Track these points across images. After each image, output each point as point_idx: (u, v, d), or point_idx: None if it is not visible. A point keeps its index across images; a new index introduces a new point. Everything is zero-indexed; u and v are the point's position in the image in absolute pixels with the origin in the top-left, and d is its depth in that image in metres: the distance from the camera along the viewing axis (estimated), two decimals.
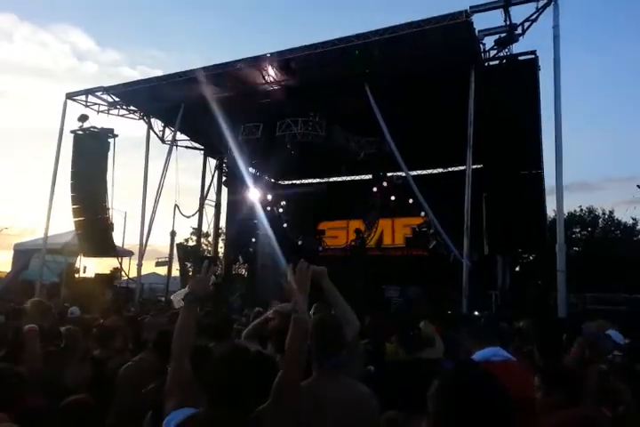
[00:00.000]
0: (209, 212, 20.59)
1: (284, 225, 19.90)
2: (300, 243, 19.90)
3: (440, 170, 19.55)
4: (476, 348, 3.28)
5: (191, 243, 27.18)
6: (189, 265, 19.61)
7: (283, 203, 20.16)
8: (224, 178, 19.45)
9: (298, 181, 22.64)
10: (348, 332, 2.70)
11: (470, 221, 11.93)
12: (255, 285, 18.49)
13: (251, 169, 20.56)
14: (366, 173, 20.59)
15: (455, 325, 4.46)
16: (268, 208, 19.46)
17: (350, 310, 2.83)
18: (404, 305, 15.38)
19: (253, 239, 19.81)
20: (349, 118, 14.22)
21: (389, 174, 17.63)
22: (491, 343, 3.27)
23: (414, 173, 19.73)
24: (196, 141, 20.02)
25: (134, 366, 3.78)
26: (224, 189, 20.45)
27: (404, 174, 13.89)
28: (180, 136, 18.87)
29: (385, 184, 17.44)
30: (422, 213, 16.33)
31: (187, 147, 19.99)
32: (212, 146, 18.82)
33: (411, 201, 15.72)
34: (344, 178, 21.59)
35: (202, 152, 20.44)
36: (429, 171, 19.75)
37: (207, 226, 21.21)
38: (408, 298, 16.08)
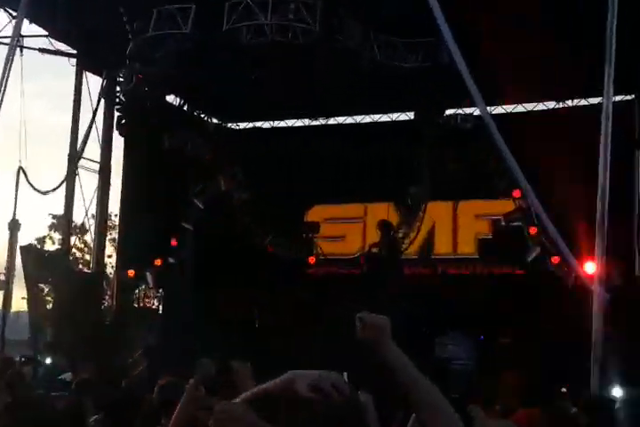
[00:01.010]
0: (87, 183, 20.54)
1: (241, 214, 20.07)
2: (270, 249, 20.06)
3: (544, 106, 19.78)
4: None
5: (51, 245, 27.14)
6: (46, 290, 19.67)
7: (237, 169, 20.18)
8: (117, 116, 19.37)
9: (269, 124, 22.70)
10: None
11: (610, 209, 11.92)
12: (176, 328, 18.63)
13: (173, 99, 20.55)
14: (402, 109, 20.65)
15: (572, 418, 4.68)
16: (209, 180, 19.62)
17: (450, 412, 2.71)
18: (475, 374, 15.68)
19: (175, 241, 19.90)
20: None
21: (449, 112, 17.72)
22: None
23: (498, 109, 19.92)
24: (62, 40, 19.87)
25: None
26: (118, 139, 20.49)
27: (476, 112, 14.04)
28: (30, 28, 18.71)
29: (440, 128, 17.48)
30: (513, 192, 16.49)
31: (43, 51, 19.86)
32: (95, 51, 18.76)
33: (492, 165, 15.94)
34: (358, 118, 21.60)
35: (74, 63, 20.36)
36: (526, 106, 19.93)
37: (84, 212, 21.21)
38: (482, 359, 16.31)
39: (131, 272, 19.34)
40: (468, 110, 17.73)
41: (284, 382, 2.43)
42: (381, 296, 15.93)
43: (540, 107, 20.06)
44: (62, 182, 20.10)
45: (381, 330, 2.72)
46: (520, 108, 20.07)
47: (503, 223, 17.93)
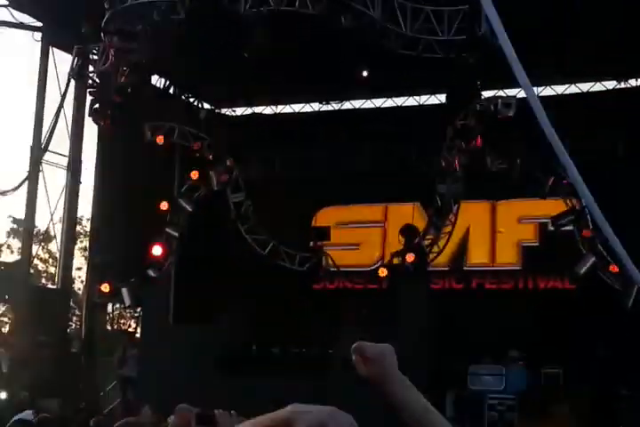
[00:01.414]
0: (53, 181, 20.57)
1: (235, 217, 20.08)
2: (267, 259, 20.07)
3: (603, 86, 19.90)
4: None
5: (9, 255, 27.34)
6: (1, 310, 19.69)
7: (232, 164, 20.18)
8: (90, 100, 19.39)
9: (270, 110, 22.91)
10: None
11: None
12: (158, 357, 18.60)
13: (156, 80, 20.50)
14: (432, 91, 20.89)
15: None
16: (198, 176, 19.58)
17: None
18: (516, 410, 15.72)
19: (157, 250, 19.89)
20: None
21: (487, 95, 17.74)
22: None
23: (547, 90, 20.00)
24: (24, 11, 20.06)
25: None
26: (90, 129, 20.59)
27: (520, 93, 14.02)
28: None
29: (476, 115, 17.43)
30: (564, 190, 16.38)
31: (2, 24, 20.11)
32: (64, 23, 18.78)
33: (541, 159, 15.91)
34: (378, 102, 21.80)
35: (39, 37, 20.44)
36: (580, 87, 20.07)
37: (49, 216, 21.20)
38: (525, 391, 16.24)
39: (104, 287, 19.25)
40: (510, 92, 17.65)
41: (281, 418, 2.35)
42: (408, 315, 15.95)
43: (598, 87, 20.00)
44: (24, 181, 20.11)
45: (384, 362, 2.67)
46: (574, 89, 20.03)
47: (551, 227, 17.87)
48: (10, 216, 30.37)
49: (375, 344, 2.74)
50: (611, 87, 19.76)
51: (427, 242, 18.36)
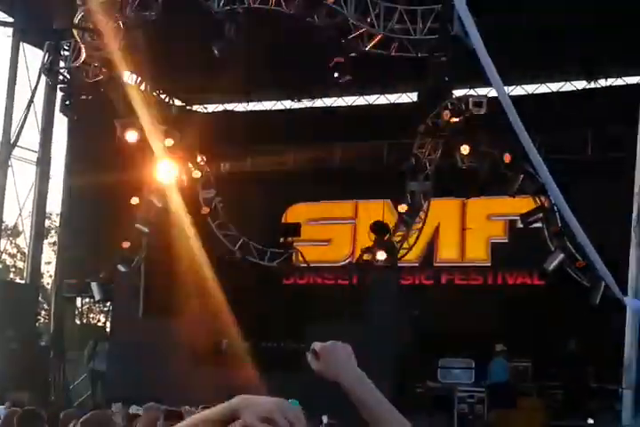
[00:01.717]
0: (22, 176, 20.47)
1: (207, 211, 20.04)
2: (237, 254, 20.10)
3: (575, 85, 19.90)
4: None
5: None
6: None
7: (203, 160, 20.13)
8: (61, 96, 19.28)
9: (242, 107, 22.96)
10: None
11: None
12: (127, 351, 18.52)
13: (128, 76, 20.38)
14: (403, 90, 20.87)
15: None
16: (169, 169, 19.37)
17: None
18: (485, 403, 15.77)
19: (127, 244, 19.78)
20: None
21: (459, 93, 17.83)
22: None
23: (517, 90, 20.13)
24: None
25: None
26: (60, 124, 20.63)
27: (491, 92, 14.22)
28: None
29: (448, 113, 17.45)
30: (533, 188, 16.44)
31: None
32: (36, 18, 18.77)
33: (507, 157, 15.97)
34: (349, 99, 21.84)
35: (9, 33, 20.37)
36: (552, 85, 20.14)
37: (17, 210, 21.20)
38: (495, 387, 16.28)
39: (73, 282, 19.19)
40: (481, 92, 17.76)
41: (229, 410, 2.38)
42: (380, 312, 15.96)
43: (568, 87, 20.15)
44: None
45: (333, 358, 2.74)
46: (544, 89, 20.16)
47: (521, 225, 17.96)
48: None
49: (331, 342, 2.82)
50: (580, 87, 19.82)
51: (397, 238, 18.45)
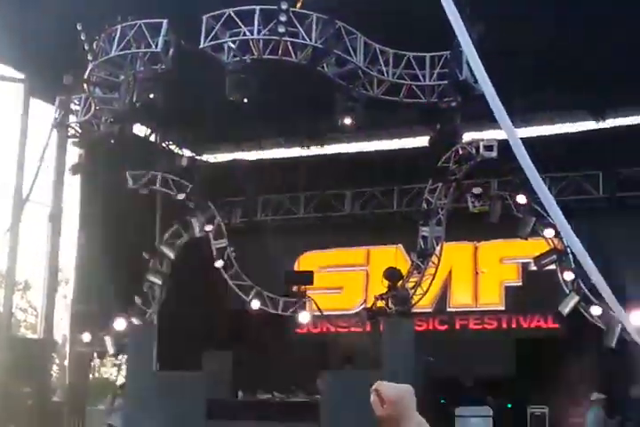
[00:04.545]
0: (35, 232, 20.43)
1: (221, 264, 20.04)
2: (251, 304, 19.95)
3: (586, 126, 20.00)
4: None
5: None
6: None
7: (214, 211, 20.16)
8: (71, 148, 19.40)
9: (252, 156, 23.04)
10: None
11: None
12: (145, 402, 18.42)
13: (137, 128, 20.58)
14: (413, 135, 20.96)
15: None
16: (180, 224, 19.72)
17: None
18: None
19: (140, 298, 19.77)
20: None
21: (469, 137, 17.95)
22: None
23: (528, 131, 20.12)
24: (6, 63, 20.01)
25: None
26: (72, 179, 20.49)
27: (501, 135, 14.19)
28: None
29: (458, 157, 17.58)
30: (546, 231, 16.60)
31: None
32: (46, 74, 18.85)
33: (522, 199, 16.15)
34: (359, 146, 21.98)
35: (21, 88, 20.46)
36: (560, 127, 20.30)
37: (29, 265, 21.24)
38: None
39: (86, 336, 19.13)
40: (491, 134, 17.89)
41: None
42: (389, 359, 15.92)
43: (578, 127, 20.26)
44: (6, 231, 20.04)
45: (403, 404, 2.63)
46: (555, 129, 20.26)
47: (534, 268, 17.96)
48: None
49: (395, 385, 2.73)
50: (590, 128, 19.92)
51: (410, 284, 18.46)
